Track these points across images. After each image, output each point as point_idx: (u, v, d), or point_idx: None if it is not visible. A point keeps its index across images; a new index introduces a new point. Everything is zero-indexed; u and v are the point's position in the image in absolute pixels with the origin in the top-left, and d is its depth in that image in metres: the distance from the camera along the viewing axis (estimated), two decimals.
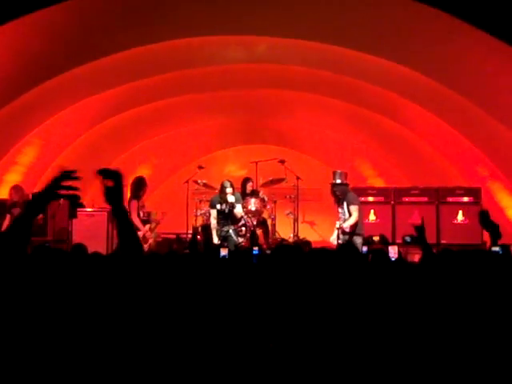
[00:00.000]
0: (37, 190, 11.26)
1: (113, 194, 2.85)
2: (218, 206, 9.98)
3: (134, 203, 9.90)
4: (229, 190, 9.94)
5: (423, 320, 2.59)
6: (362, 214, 9.60)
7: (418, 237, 4.53)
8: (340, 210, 9.33)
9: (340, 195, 9.32)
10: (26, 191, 10.56)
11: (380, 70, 10.39)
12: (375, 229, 10.31)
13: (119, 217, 2.86)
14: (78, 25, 9.40)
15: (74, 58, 9.90)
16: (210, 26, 9.77)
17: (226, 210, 9.93)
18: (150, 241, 10.00)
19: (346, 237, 9.09)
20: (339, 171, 9.48)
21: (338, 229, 9.24)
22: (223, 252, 6.23)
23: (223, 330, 2.62)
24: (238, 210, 10.02)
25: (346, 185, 9.45)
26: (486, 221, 4.69)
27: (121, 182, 2.91)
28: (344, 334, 2.57)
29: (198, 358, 2.55)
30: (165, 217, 10.54)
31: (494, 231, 4.56)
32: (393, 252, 6.23)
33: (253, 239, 10.02)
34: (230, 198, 9.92)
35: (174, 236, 11.67)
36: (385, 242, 7.62)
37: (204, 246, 9.81)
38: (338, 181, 9.35)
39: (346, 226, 9.09)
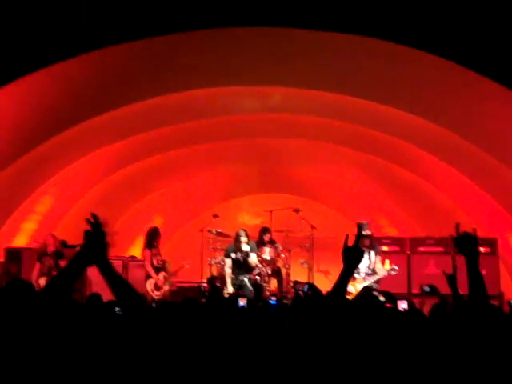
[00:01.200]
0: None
1: (93, 248, 2.80)
2: (233, 255, 9.97)
3: (148, 252, 10.04)
4: (244, 238, 9.94)
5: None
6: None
7: (450, 285, 4.40)
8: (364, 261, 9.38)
9: (368, 245, 9.36)
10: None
11: (396, 120, 10.44)
12: (390, 279, 10.21)
13: (105, 271, 2.84)
14: (92, 77, 9.56)
15: (88, 110, 10.04)
16: (224, 76, 9.91)
17: (241, 259, 9.92)
18: (165, 288, 9.99)
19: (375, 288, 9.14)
20: (365, 222, 9.55)
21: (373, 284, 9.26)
22: (242, 302, 6.19)
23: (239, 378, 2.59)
24: (253, 259, 10.00)
25: (372, 235, 9.56)
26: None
27: (101, 236, 2.85)
28: None
29: None
30: (182, 268, 10.55)
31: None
32: (402, 306, 6.14)
33: (259, 291, 10.00)
34: (245, 247, 9.91)
35: (189, 285, 11.64)
36: (390, 298, 7.55)
37: (213, 296, 9.81)
38: (369, 232, 9.40)
39: (382, 275, 9.28)
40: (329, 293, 3.02)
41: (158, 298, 9.80)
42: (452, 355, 2.63)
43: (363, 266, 9.32)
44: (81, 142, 10.70)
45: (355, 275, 9.29)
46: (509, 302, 6.43)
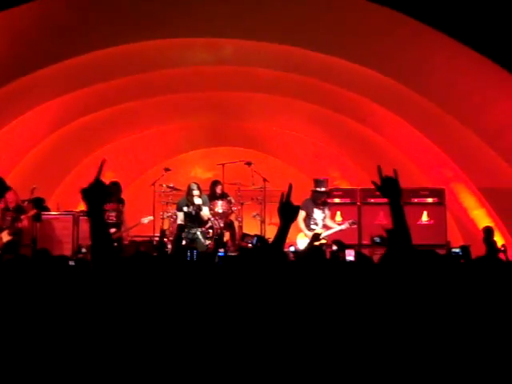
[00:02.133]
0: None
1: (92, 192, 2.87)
2: (185, 209, 9.94)
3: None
4: (195, 192, 9.91)
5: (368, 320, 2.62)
6: None
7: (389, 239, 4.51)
8: (317, 214, 9.65)
9: (324, 202, 9.87)
10: None
11: (348, 73, 10.48)
12: (341, 230, 10.40)
13: (97, 219, 2.87)
14: (40, 26, 9.30)
15: (36, 61, 9.79)
16: (176, 27, 9.76)
17: (193, 213, 9.90)
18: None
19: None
20: (322, 179, 9.86)
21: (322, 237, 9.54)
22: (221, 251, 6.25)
23: (190, 330, 2.62)
24: (205, 213, 10.00)
25: (329, 192, 10.09)
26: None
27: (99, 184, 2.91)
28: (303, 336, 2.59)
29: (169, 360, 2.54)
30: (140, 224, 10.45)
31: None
32: (348, 255, 6.29)
33: (218, 242, 10.03)
34: (197, 201, 9.88)
35: (141, 239, 11.61)
36: (341, 246, 7.77)
37: (173, 248, 9.79)
38: (323, 189, 9.82)
39: (334, 231, 9.72)
40: (270, 246, 3.08)
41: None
42: (392, 300, 2.70)
43: (319, 218, 9.65)
44: (28, 94, 10.44)
45: (313, 226, 9.55)
46: (450, 251, 6.64)
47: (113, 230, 9.84)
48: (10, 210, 9.86)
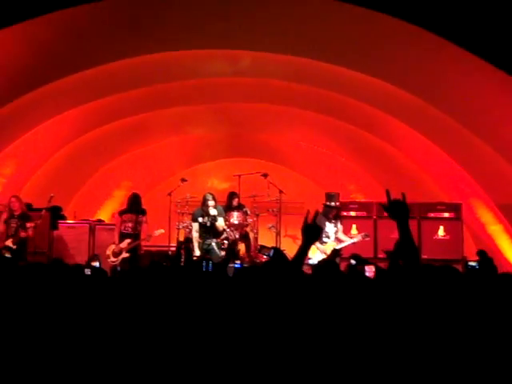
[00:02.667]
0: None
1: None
2: (200, 219, 9.94)
3: (117, 218, 10.09)
4: (211, 202, 9.91)
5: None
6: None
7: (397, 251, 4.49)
8: (329, 227, 9.63)
9: (335, 216, 9.84)
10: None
11: (365, 86, 10.46)
12: (357, 243, 10.35)
13: None
14: (60, 38, 9.38)
15: (55, 71, 9.87)
16: (193, 39, 9.80)
17: (208, 223, 9.89)
18: (124, 255, 9.83)
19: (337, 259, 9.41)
20: (334, 193, 9.82)
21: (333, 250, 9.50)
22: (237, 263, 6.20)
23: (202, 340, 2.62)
24: (220, 223, 10.00)
25: (339, 207, 10.02)
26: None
27: None
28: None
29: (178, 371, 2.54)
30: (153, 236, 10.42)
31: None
32: (369, 271, 6.22)
33: (231, 253, 10.02)
34: (212, 211, 9.89)
35: (156, 249, 11.62)
36: (360, 261, 7.71)
37: (185, 260, 9.77)
38: (336, 203, 9.82)
39: (346, 244, 9.70)
40: (289, 263, 3.11)
41: (113, 263, 9.74)
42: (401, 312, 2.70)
43: (332, 232, 9.63)
44: (46, 104, 10.54)
45: (325, 239, 9.54)
46: (466, 264, 6.57)
47: (128, 241, 9.84)
48: (15, 217, 9.76)
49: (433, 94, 10.00)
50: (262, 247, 10.78)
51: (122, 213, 10.04)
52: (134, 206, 10.04)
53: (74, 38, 9.47)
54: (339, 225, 9.89)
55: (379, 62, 9.78)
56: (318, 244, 9.56)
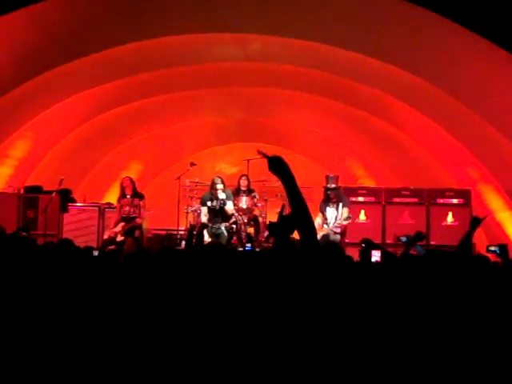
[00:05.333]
0: (28, 183, 11.28)
1: None
2: (209, 203, 9.95)
3: (117, 204, 10.05)
4: (219, 186, 9.92)
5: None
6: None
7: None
8: (329, 212, 9.43)
9: (334, 198, 9.48)
10: (20, 184, 10.59)
11: (375, 71, 10.42)
12: (365, 229, 10.37)
13: None
14: (70, 20, 9.38)
15: (66, 54, 9.87)
16: (204, 23, 9.78)
17: (217, 207, 9.90)
18: (119, 238, 9.79)
19: (337, 237, 9.17)
20: (332, 175, 9.67)
21: (329, 230, 9.29)
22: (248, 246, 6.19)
23: (219, 324, 2.64)
24: (229, 207, 10.00)
25: (339, 188, 9.70)
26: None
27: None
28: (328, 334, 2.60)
29: (196, 355, 2.56)
30: (150, 214, 10.39)
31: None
32: (377, 255, 6.21)
33: (245, 237, 10.03)
34: (221, 195, 9.89)
35: (165, 232, 11.68)
36: (370, 246, 7.64)
37: (196, 244, 9.76)
38: (333, 185, 9.54)
39: (345, 223, 9.28)
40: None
41: (111, 248, 9.68)
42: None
43: (332, 217, 9.40)
44: (57, 86, 10.55)
45: (325, 226, 9.38)
46: (487, 248, 6.54)
47: (122, 224, 9.78)
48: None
49: (442, 78, 9.96)
50: (269, 236, 10.80)
51: (119, 199, 10.00)
52: (129, 190, 9.95)
53: (81, 21, 9.46)
54: (341, 209, 9.46)
55: (389, 46, 9.73)
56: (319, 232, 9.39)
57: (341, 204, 9.49)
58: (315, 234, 2.79)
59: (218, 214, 9.95)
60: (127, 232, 9.67)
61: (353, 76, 10.92)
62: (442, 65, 9.75)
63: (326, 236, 9.14)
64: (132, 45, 10.04)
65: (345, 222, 9.28)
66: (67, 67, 10.03)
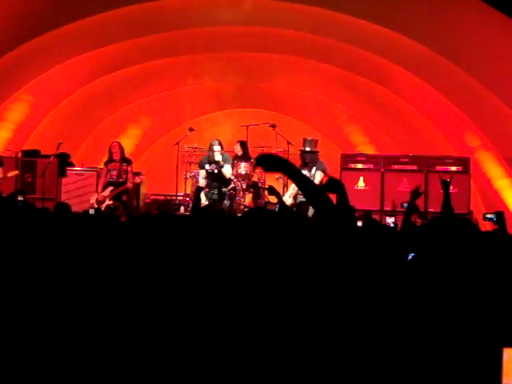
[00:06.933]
0: (26, 147, 11.24)
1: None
2: (207, 166, 9.92)
3: (104, 168, 10.08)
4: (216, 147, 9.87)
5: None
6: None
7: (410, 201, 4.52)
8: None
9: (309, 162, 9.59)
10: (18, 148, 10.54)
11: (374, 37, 10.35)
12: (364, 196, 10.37)
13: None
14: None
15: (64, 16, 9.79)
16: None
17: (215, 171, 9.85)
18: (107, 203, 9.79)
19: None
20: (309, 138, 9.77)
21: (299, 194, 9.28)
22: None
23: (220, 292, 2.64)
24: (227, 170, 9.94)
25: (316, 152, 9.77)
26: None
27: None
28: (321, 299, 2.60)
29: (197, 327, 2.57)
30: (145, 178, 10.39)
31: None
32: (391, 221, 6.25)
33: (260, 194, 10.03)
34: (218, 157, 9.82)
35: (163, 198, 11.68)
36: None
37: (192, 208, 9.78)
38: (308, 149, 9.63)
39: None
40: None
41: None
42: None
43: None
44: (54, 50, 10.47)
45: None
46: (484, 216, 6.54)
47: (110, 189, 9.81)
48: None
49: (442, 44, 9.90)
50: (267, 203, 10.80)
51: (107, 163, 10.03)
52: (116, 155, 9.96)
53: None
54: (314, 171, 9.55)
55: (389, 11, 9.67)
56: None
57: (314, 168, 9.57)
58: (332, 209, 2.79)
59: (217, 178, 9.91)
60: (116, 197, 9.71)
61: (353, 42, 10.84)
62: (441, 30, 9.67)
63: (298, 202, 9.19)
64: (130, 7, 9.94)
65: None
66: (66, 29, 9.94)
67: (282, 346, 2.35)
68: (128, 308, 2.54)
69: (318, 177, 9.52)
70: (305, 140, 9.78)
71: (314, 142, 9.76)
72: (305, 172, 9.38)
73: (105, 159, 10.17)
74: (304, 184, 2.79)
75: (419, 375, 2.23)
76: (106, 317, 2.53)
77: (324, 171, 9.65)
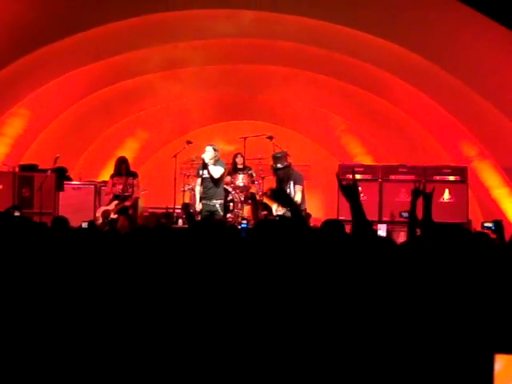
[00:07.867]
0: (24, 161, 11.24)
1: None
2: (201, 172, 9.86)
3: (109, 181, 10.06)
4: (208, 148, 9.77)
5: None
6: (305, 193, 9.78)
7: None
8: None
9: (285, 177, 9.44)
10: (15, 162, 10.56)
11: (370, 47, 10.38)
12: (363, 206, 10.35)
13: None
14: None
15: (61, 30, 9.81)
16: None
17: (208, 176, 9.71)
18: (112, 217, 9.77)
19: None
20: (278, 154, 9.66)
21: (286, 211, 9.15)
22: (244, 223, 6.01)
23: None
24: (215, 171, 9.69)
25: (289, 165, 9.62)
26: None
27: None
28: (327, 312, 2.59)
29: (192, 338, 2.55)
30: (146, 193, 10.39)
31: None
32: (382, 230, 6.22)
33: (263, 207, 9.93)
34: (205, 155, 9.64)
35: (162, 211, 11.66)
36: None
37: (187, 220, 9.74)
38: (279, 165, 9.49)
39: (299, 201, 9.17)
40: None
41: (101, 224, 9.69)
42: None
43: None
44: (53, 63, 10.49)
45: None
46: (482, 224, 6.53)
47: (115, 202, 9.79)
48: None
49: (440, 55, 9.93)
50: (268, 215, 10.77)
51: (112, 176, 10.03)
52: (122, 169, 9.95)
53: None
54: (293, 186, 9.41)
55: (387, 22, 9.68)
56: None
57: (292, 182, 9.44)
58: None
59: (211, 184, 9.75)
60: (121, 210, 9.69)
61: (349, 53, 10.87)
62: (439, 41, 9.71)
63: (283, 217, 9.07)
64: (127, 21, 9.96)
65: (298, 199, 9.17)
66: (62, 43, 9.96)
67: (283, 349, 2.33)
68: (124, 321, 2.52)
69: (298, 192, 9.38)
70: (274, 157, 9.66)
71: (283, 157, 9.57)
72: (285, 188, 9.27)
73: (111, 172, 10.18)
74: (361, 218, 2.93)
75: (412, 380, 2.22)
76: (102, 330, 2.51)
77: (301, 183, 9.52)
